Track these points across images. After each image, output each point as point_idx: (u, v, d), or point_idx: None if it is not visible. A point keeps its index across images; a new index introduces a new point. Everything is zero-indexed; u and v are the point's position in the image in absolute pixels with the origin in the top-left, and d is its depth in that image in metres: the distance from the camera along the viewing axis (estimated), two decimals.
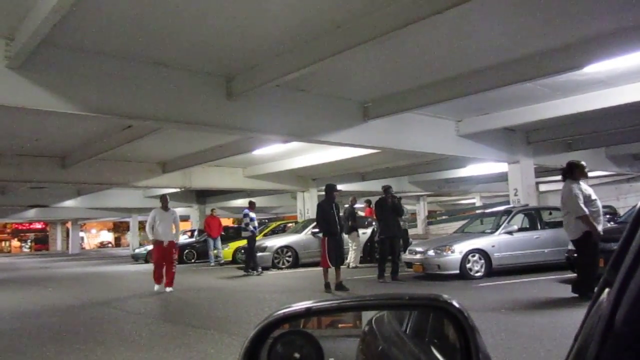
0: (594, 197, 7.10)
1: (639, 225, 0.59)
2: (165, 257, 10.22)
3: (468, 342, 0.97)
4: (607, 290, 0.63)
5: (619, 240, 0.65)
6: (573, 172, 7.25)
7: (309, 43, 6.70)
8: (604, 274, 0.66)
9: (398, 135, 11.18)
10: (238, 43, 6.92)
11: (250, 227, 13.81)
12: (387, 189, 11.05)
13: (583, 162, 7.39)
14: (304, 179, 20.43)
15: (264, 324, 1.06)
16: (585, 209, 6.85)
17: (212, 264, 17.38)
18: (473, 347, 0.96)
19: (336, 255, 9.35)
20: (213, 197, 26.55)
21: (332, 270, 9.32)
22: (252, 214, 14.01)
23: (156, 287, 10.23)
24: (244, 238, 14.43)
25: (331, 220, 9.37)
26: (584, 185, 7.27)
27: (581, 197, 6.93)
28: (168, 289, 10.13)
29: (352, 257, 14.24)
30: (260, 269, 13.71)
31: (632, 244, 0.59)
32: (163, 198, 10.82)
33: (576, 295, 6.88)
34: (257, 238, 16.07)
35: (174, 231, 10.33)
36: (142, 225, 45.21)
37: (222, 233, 18.16)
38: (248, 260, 13.94)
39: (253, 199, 15.07)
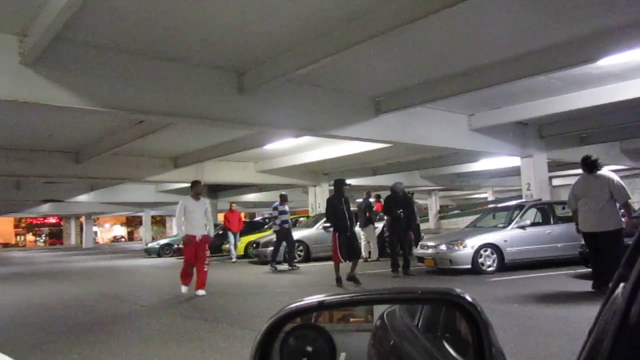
0: None
1: None
2: (198, 255, 8.78)
3: (481, 337, 0.97)
4: (622, 285, 0.62)
5: (633, 235, 0.64)
6: (597, 165, 7.25)
7: (320, 37, 6.69)
8: (619, 269, 0.65)
9: (409, 130, 11.14)
10: (249, 37, 6.92)
11: (278, 221, 13.50)
12: (396, 185, 11.11)
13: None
14: (315, 173, 20.44)
15: (277, 318, 1.06)
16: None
17: (234, 260, 16.73)
18: (486, 341, 0.96)
19: (348, 249, 9.22)
20: (225, 192, 26.64)
21: (344, 264, 9.31)
22: (283, 207, 13.66)
23: (183, 288, 8.90)
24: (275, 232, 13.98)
25: (340, 215, 9.30)
26: None
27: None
28: (199, 292, 8.71)
29: (370, 250, 14.30)
30: (295, 264, 13.36)
31: None
32: (195, 184, 9.30)
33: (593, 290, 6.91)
34: (266, 233, 16.15)
35: (206, 223, 8.92)
36: (154, 220, 45.66)
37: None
38: (274, 255, 13.51)
39: (284, 194, 14.30)
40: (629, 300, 0.58)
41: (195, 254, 8.80)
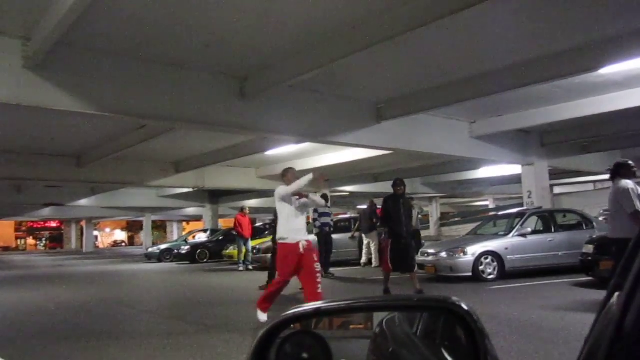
0: None
1: None
2: (304, 269, 6.00)
3: (477, 345, 0.97)
4: (617, 294, 0.62)
5: None
6: (620, 172, 7.21)
7: (322, 44, 6.70)
8: (614, 278, 0.65)
9: (411, 137, 11.14)
10: (252, 43, 6.94)
11: (318, 223, 12.56)
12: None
13: (630, 162, 7.32)
14: (316, 180, 20.41)
15: (274, 324, 1.06)
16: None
17: (241, 268, 15.33)
18: (482, 350, 0.96)
19: (404, 258, 8.39)
20: (226, 197, 26.67)
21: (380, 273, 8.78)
22: (323, 210, 12.41)
23: (262, 316, 6.35)
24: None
25: (396, 219, 8.41)
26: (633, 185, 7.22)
27: (634, 193, 6.92)
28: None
29: (370, 256, 14.28)
30: (331, 272, 12.07)
31: None
32: (288, 171, 6.79)
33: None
34: (266, 239, 15.79)
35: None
36: (155, 225, 45.65)
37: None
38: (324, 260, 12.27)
39: (326, 194, 13.46)
40: (623, 310, 0.58)
41: (297, 269, 6.04)
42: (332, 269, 12.37)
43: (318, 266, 6.00)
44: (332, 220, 12.78)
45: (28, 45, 6.27)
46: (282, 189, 6.28)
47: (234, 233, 16.71)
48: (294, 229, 6.12)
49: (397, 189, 8.59)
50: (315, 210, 12.64)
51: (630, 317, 0.57)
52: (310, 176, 6.32)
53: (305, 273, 5.98)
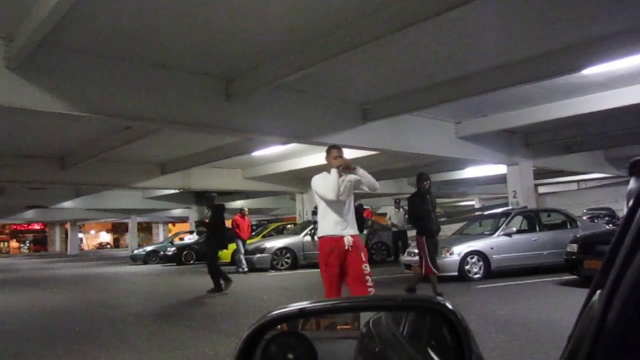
0: None
1: (628, 228, 0.60)
2: (350, 274, 4.82)
3: (462, 344, 0.97)
4: (599, 291, 0.63)
5: None
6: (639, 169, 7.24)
7: (308, 45, 6.70)
8: (595, 276, 0.66)
9: (397, 137, 11.18)
10: (237, 44, 6.92)
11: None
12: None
13: None
14: (303, 180, 20.39)
15: (258, 325, 1.06)
16: None
17: (242, 269, 14.68)
18: (466, 349, 0.96)
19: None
20: None
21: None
22: None
23: None
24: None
25: (425, 216, 7.88)
26: None
27: None
28: None
29: None
30: None
31: (622, 246, 0.59)
32: (330, 151, 5.14)
33: None
34: (253, 240, 15.69)
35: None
36: (141, 227, 45.35)
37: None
38: None
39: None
40: (605, 307, 0.59)
41: (340, 271, 4.83)
42: None
43: (367, 268, 4.84)
44: None
45: (10, 45, 6.20)
46: (317, 181, 5.11)
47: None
48: (335, 221, 4.92)
49: (423, 184, 7.98)
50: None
51: (611, 314, 0.58)
52: (335, 174, 4.94)
53: (352, 279, 4.80)
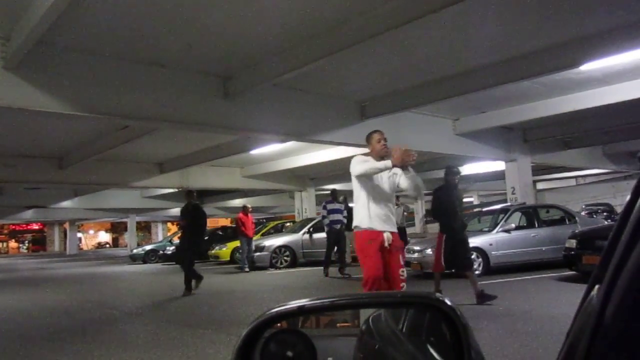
0: None
1: (626, 223, 0.60)
2: (389, 275, 4.46)
3: (460, 340, 0.98)
4: (597, 286, 0.63)
5: None
6: None
7: (306, 42, 6.69)
8: (594, 271, 0.66)
9: (395, 134, 11.06)
10: (235, 42, 6.91)
11: (327, 221, 11.87)
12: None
13: None
14: (301, 178, 20.43)
15: (257, 323, 1.06)
16: None
17: (247, 269, 14.54)
18: (465, 345, 0.96)
19: (460, 256, 7.34)
20: (210, 197, 26.54)
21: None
22: (332, 206, 11.95)
23: None
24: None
25: (450, 211, 7.34)
26: None
27: None
28: None
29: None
30: (347, 273, 11.44)
31: (620, 241, 0.59)
32: (372, 136, 5.13)
33: None
34: (255, 238, 15.66)
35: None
36: (140, 226, 45.31)
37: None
38: (325, 261, 11.97)
39: (335, 189, 12.69)
40: (603, 302, 0.59)
41: (382, 270, 4.41)
42: (329, 269, 12.02)
43: (404, 273, 4.46)
44: (344, 216, 11.87)
45: (7, 45, 6.19)
46: (355, 162, 4.61)
47: (219, 233, 16.55)
48: (375, 214, 4.44)
49: (452, 177, 7.52)
50: (324, 207, 12.04)
51: (609, 309, 0.58)
52: (389, 162, 4.46)
53: (392, 277, 4.40)
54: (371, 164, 4.50)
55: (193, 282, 9.62)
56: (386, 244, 4.38)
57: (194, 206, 10.17)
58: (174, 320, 7.26)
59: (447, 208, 7.35)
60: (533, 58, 7.75)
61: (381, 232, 4.40)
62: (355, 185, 4.60)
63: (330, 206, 11.94)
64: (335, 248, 12.02)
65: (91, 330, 6.76)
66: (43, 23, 5.19)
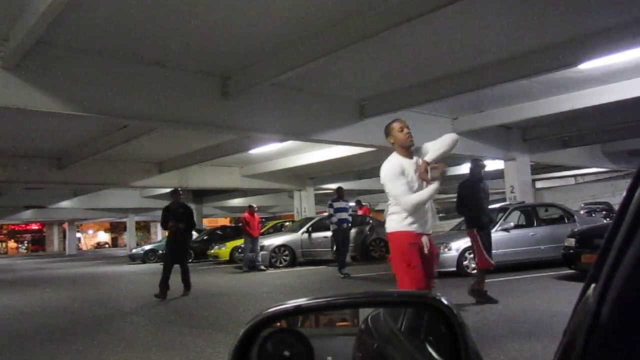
0: None
1: (622, 221, 0.60)
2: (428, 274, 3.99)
3: (457, 339, 0.98)
4: (593, 285, 0.63)
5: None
6: None
7: (304, 42, 6.69)
8: (590, 270, 0.66)
9: None
10: (234, 42, 6.91)
11: (334, 219, 11.62)
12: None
13: None
14: (300, 177, 20.43)
15: (254, 323, 1.06)
16: None
17: (245, 267, 14.35)
18: (462, 344, 0.97)
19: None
20: (210, 197, 26.56)
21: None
22: (339, 204, 11.73)
23: None
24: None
25: (475, 206, 6.87)
26: None
27: None
28: None
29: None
30: (346, 272, 11.19)
31: (616, 239, 0.59)
32: (392, 127, 4.73)
33: None
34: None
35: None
36: (139, 226, 45.26)
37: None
38: (339, 259, 11.67)
39: (341, 187, 12.56)
40: (599, 301, 0.59)
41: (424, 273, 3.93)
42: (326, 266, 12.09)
43: (434, 283, 4.09)
44: (350, 215, 11.85)
45: (5, 45, 6.18)
46: (388, 179, 4.22)
47: (219, 232, 16.48)
48: (415, 216, 3.96)
49: (477, 170, 7.01)
50: (331, 205, 11.86)
51: (605, 307, 0.58)
52: (437, 185, 4.20)
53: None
54: (420, 195, 4.02)
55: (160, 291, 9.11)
56: (425, 251, 3.91)
57: (182, 205, 9.80)
58: (173, 320, 7.25)
59: (473, 202, 6.89)
60: (532, 57, 7.75)
61: (419, 236, 3.94)
62: (387, 189, 4.20)
63: (336, 204, 11.75)
64: (334, 247, 12.01)
65: (91, 330, 6.75)
66: (41, 23, 5.19)
